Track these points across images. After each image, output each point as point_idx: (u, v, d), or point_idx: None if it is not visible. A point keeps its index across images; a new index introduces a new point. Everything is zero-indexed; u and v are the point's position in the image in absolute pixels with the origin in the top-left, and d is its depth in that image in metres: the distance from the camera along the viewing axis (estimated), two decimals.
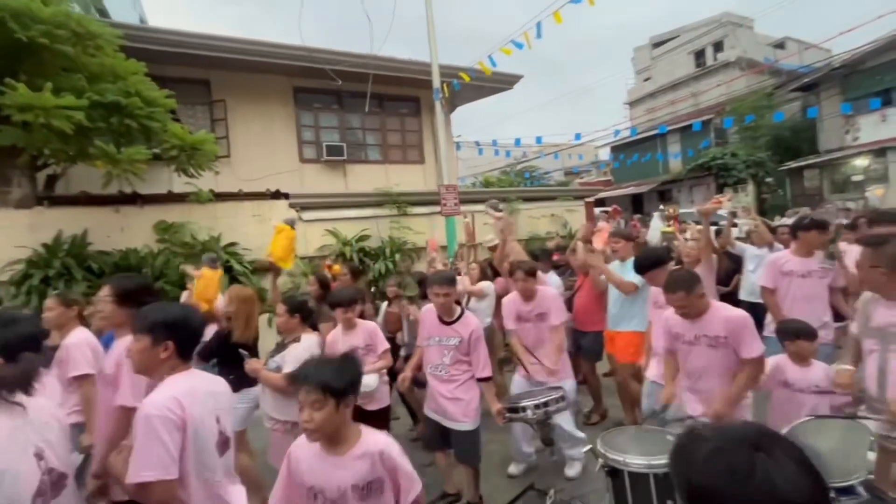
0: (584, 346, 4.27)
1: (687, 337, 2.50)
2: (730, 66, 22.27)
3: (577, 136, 9.97)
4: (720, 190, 16.94)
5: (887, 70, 13.54)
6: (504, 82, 10.39)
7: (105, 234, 5.74)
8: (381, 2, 7.10)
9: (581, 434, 3.46)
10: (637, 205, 19.09)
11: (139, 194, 6.08)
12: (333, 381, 1.52)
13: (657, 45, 27.65)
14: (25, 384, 1.41)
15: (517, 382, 3.46)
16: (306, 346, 2.85)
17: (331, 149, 9.42)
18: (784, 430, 1.86)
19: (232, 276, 5.71)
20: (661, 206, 10.08)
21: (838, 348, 3.28)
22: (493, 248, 6.43)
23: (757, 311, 4.43)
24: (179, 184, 6.67)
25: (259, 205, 6.95)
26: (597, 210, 10.78)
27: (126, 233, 5.86)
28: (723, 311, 2.44)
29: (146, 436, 1.43)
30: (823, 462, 0.67)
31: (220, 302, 4.08)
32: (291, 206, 7.20)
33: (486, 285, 4.44)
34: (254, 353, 3.24)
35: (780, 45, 24.08)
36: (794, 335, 2.58)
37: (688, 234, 5.04)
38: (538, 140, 10.13)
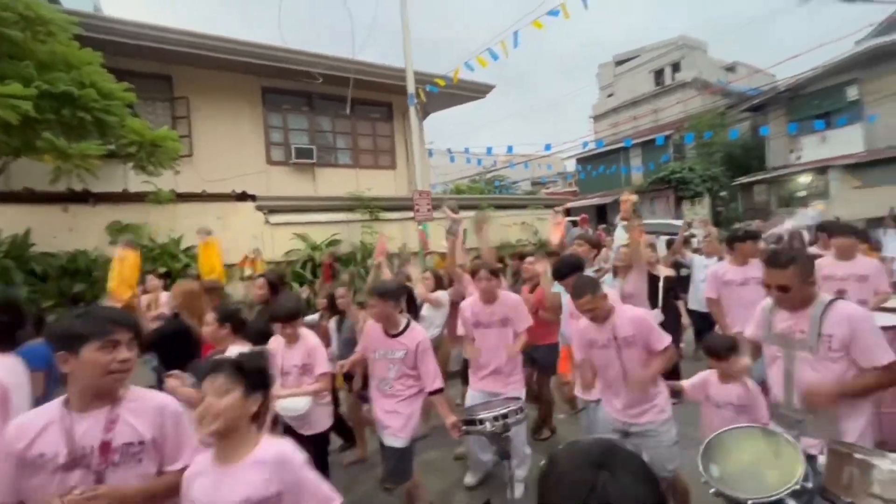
0: (538, 360, 3.97)
1: (601, 341, 2.55)
2: (686, 86, 23.54)
3: (548, 147, 10.20)
4: (679, 202, 17.78)
5: (826, 95, 14.71)
6: (477, 91, 10.50)
7: (51, 235, 5.32)
8: (354, 7, 7.02)
9: (529, 450, 3.36)
10: (601, 215, 19.70)
11: (91, 192, 5.69)
12: (245, 362, 1.37)
13: (620, 62, 28.87)
14: None
15: (471, 395, 3.30)
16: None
17: (300, 151, 9.18)
18: (702, 446, 1.95)
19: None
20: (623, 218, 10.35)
21: None
22: (443, 256, 6.34)
23: (706, 321, 4.61)
24: (136, 182, 6.29)
25: (223, 206, 6.67)
26: (566, 219, 11.03)
27: (75, 233, 5.46)
28: (627, 312, 2.56)
29: None
30: (744, 476, 0.70)
31: (165, 298, 3.80)
32: (258, 208, 6.95)
33: (441, 294, 4.32)
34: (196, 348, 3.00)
35: (731, 68, 25.70)
36: (720, 352, 2.58)
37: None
38: (509, 149, 10.27)
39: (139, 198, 5.92)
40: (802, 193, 15.30)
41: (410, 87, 7.38)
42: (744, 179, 16.69)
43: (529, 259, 4.53)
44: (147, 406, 1.47)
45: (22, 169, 5.94)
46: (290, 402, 2.75)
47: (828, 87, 14.65)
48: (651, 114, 23.67)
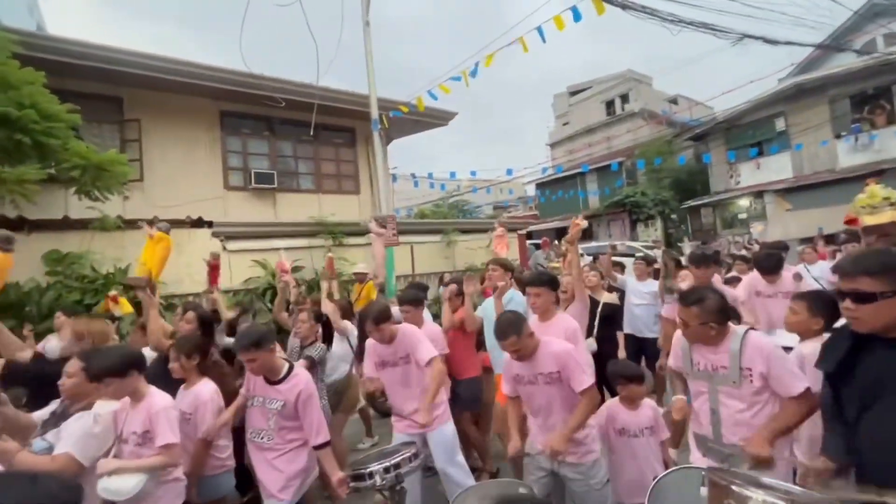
0: (460, 395, 3.55)
1: (527, 377, 2.43)
2: (634, 115, 25.16)
3: (509, 172, 10.50)
4: (634, 225, 18.67)
5: (758, 126, 16.13)
6: (440, 118, 10.71)
7: None
8: (317, 32, 7.05)
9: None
10: (561, 238, 20.36)
11: (26, 219, 5.27)
12: None
13: (574, 93, 30.54)
14: None
15: (396, 437, 2.96)
16: (100, 416, 2.12)
17: (259, 176, 8.94)
18: (652, 486, 1.96)
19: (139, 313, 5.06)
20: (553, 243, 10.36)
21: None
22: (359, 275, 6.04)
23: (644, 346, 4.57)
24: (78, 209, 5.88)
25: (177, 233, 6.29)
26: (527, 242, 11.28)
27: None
28: (550, 347, 2.39)
29: None
30: None
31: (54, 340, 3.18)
32: (215, 234, 6.67)
33: (348, 326, 3.92)
34: None
35: (673, 100, 27.75)
36: (626, 379, 2.58)
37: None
38: (472, 174, 10.47)
39: (82, 225, 5.53)
40: (743, 216, 16.47)
41: (374, 113, 7.44)
42: (691, 203, 17.81)
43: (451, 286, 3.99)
44: None
45: None
46: (114, 481, 2.06)
47: (759, 119, 16.06)
48: (604, 141, 25.00)
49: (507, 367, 2.53)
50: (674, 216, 19.01)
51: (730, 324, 2.07)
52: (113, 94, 7.69)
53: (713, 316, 2.01)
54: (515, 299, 3.53)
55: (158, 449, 2.18)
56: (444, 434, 2.89)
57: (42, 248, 5.20)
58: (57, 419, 2.26)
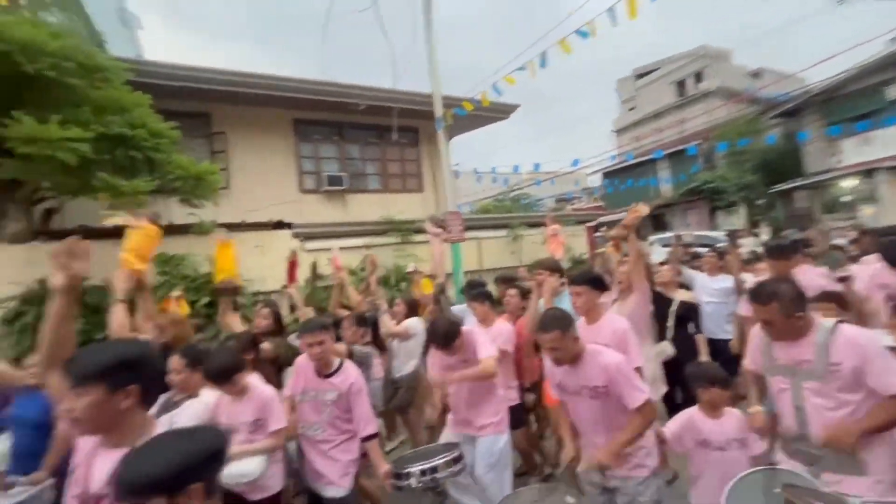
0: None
1: (570, 387, 2.26)
2: (710, 95, 23.18)
3: (576, 162, 10.12)
4: (713, 213, 17.23)
5: (864, 96, 14.17)
6: (501, 112, 10.59)
7: (103, 269, 5.53)
8: (377, 37, 7.26)
9: None
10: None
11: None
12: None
13: (640, 76, 28.78)
14: None
15: (446, 437, 2.98)
16: (208, 404, 2.32)
17: (331, 179, 9.41)
18: (730, 485, 1.77)
19: (234, 309, 5.51)
20: (602, 228, 9.41)
21: None
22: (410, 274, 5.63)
23: (716, 349, 3.90)
24: (178, 215, 6.54)
25: (261, 235, 6.83)
26: (595, 234, 10.83)
27: None
28: (598, 358, 2.16)
29: None
30: None
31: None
32: (294, 235, 7.09)
33: (412, 323, 3.92)
34: None
35: (756, 74, 25.20)
36: (709, 382, 2.29)
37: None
38: (536, 167, 10.24)
39: (183, 230, 6.13)
40: (848, 198, 14.59)
41: (438, 112, 7.50)
42: (782, 186, 16.07)
43: (511, 293, 3.84)
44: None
45: (75, 208, 6.27)
46: (236, 466, 2.32)
47: (864, 88, 14.12)
48: (676, 125, 23.32)
49: (550, 373, 2.38)
50: (760, 202, 17.28)
51: (813, 315, 1.91)
52: (202, 110, 8.45)
53: (796, 305, 1.84)
54: (566, 303, 3.31)
55: (270, 434, 2.42)
56: (492, 444, 2.80)
57: None
58: (165, 408, 2.47)
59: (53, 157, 4.10)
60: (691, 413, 2.34)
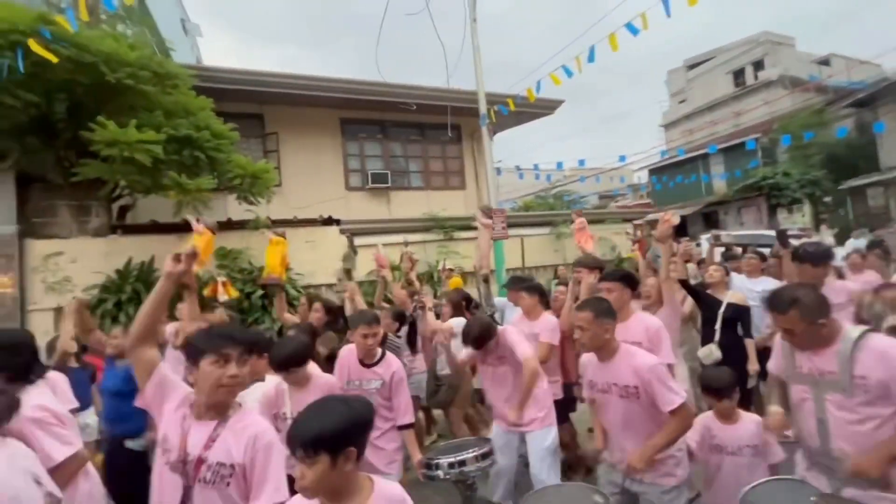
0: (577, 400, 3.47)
1: (599, 385, 2.20)
2: (772, 84, 21.71)
3: (622, 158, 9.82)
4: (773, 211, 16.17)
5: None
6: (545, 108, 10.44)
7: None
8: (423, 35, 7.35)
9: None
10: (681, 228, 18.44)
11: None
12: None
13: (692, 66, 27.38)
14: (9, 416, 1.48)
15: (494, 431, 2.98)
16: (272, 386, 2.48)
17: (375, 176, 9.65)
18: (742, 493, 1.73)
19: (288, 302, 5.81)
20: (626, 231, 8.70)
21: None
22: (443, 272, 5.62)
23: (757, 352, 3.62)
24: (235, 212, 6.95)
25: (312, 231, 7.13)
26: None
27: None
28: (632, 357, 2.11)
29: None
30: None
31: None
32: (342, 231, 7.35)
33: (456, 322, 3.85)
34: None
35: (825, 62, 23.33)
36: (716, 395, 2.24)
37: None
38: (581, 163, 10.02)
39: (240, 225, 6.51)
40: None
41: (482, 108, 7.51)
42: (854, 182, 14.81)
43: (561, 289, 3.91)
44: (246, 431, 1.49)
45: (146, 205, 6.80)
46: None
47: None
48: (732, 117, 22.00)
49: (583, 369, 2.35)
50: (827, 199, 16.01)
51: (839, 322, 1.81)
52: (257, 112, 8.91)
53: (818, 311, 1.74)
54: None
55: None
56: (543, 438, 2.81)
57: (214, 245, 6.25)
58: None
59: (131, 158, 4.49)
60: (706, 418, 2.31)
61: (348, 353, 2.80)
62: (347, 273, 5.30)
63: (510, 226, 7.37)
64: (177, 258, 1.69)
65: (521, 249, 8.09)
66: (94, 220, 5.61)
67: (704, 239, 12.32)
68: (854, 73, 18.83)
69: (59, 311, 5.08)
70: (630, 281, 2.78)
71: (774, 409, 2.05)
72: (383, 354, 2.77)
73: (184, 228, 6.30)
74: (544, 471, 2.78)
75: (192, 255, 1.75)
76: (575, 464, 3.56)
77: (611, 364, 2.15)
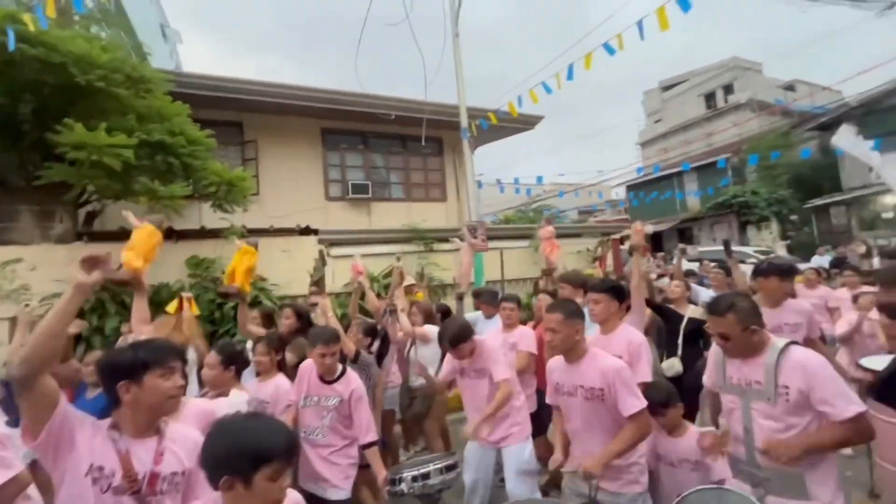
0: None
1: (566, 387, 2.22)
2: (741, 107, 22.68)
3: (600, 174, 10.00)
4: (743, 228, 16.74)
5: None
6: (526, 123, 10.62)
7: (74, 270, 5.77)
8: (406, 48, 7.43)
9: None
10: (657, 242, 18.91)
11: (174, 230, 6.15)
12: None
13: (666, 88, 28.42)
14: None
15: (469, 446, 2.95)
16: (233, 404, 2.35)
17: (356, 187, 9.58)
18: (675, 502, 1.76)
19: (267, 314, 5.64)
20: (598, 247, 8.80)
21: None
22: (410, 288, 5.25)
23: None
24: (210, 220, 6.77)
25: (288, 241, 6.99)
26: (621, 247, 10.65)
27: (159, 268, 5.87)
28: (598, 360, 2.16)
29: None
30: None
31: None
32: (320, 242, 7.23)
33: (430, 329, 3.90)
34: None
35: (789, 87, 24.55)
36: (661, 406, 2.28)
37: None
38: (560, 177, 10.17)
39: (214, 234, 6.33)
40: (889, 215, 13.97)
41: (464, 122, 7.58)
42: (818, 201, 15.51)
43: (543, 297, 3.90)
44: (187, 437, 1.53)
45: (115, 211, 6.54)
46: None
47: None
48: (703, 137, 22.86)
49: (549, 373, 2.36)
50: (793, 217, 16.70)
51: (768, 334, 1.90)
52: (236, 119, 8.77)
53: (752, 318, 1.82)
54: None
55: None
56: (519, 453, 2.79)
57: (185, 254, 6.05)
58: None
59: (100, 162, 4.33)
60: (655, 427, 2.34)
61: (309, 368, 2.75)
62: (317, 285, 5.14)
63: (490, 238, 7.39)
64: (89, 263, 1.45)
65: (501, 262, 8.11)
66: (57, 226, 5.37)
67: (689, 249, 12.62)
68: (817, 98, 19.84)
69: (14, 321, 4.80)
70: (617, 293, 2.79)
71: (706, 429, 2.12)
72: (344, 371, 2.72)
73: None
74: (520, 486, 2.74)
75: (106, 262, 1.52)
76: (553, 479, 3.52)
77: (578, 366, 2.19)
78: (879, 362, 2.39)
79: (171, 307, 4.49)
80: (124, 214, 4.36)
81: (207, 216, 6.88)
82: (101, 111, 4.90)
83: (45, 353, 1.35)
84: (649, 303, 3.66)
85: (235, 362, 2.55)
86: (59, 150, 4.42)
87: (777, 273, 2.93)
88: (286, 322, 3.72)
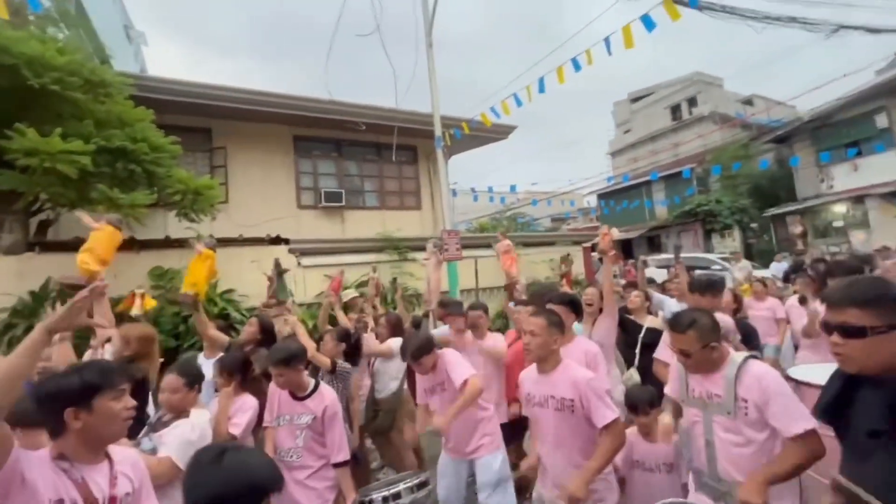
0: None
1: (537, 398, 2.21)
2: (704, 119, 23.68)
3: (571, 182, 10.22)
4: (708, 236, 17.39)
5: (854, 124, 14.51)
6: (500, 132, 10.75)
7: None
8: (379, 56, 7.42)
9: None
10: (627, 250, 19.40)
11: (136, 239, 5.90)
12: None
13: (635, 100, 29.40)
14: None
15: (441, 460, 2.92)
16: (196, 425, 2.23)
17: (329, 195, 9.45)
18: None
19: (230, 325, 5.45)
20: (568, 256, 8.83)
21: None
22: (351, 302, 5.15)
23: None
24: (176, 229, 6.53)
25: (258, 250, 6.81)
26: (592, 254, 10.87)
27: (120, 279, 5.60)
28: (570, 371, 2.16)
29: None
30: None
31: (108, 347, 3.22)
32: (291, 251, 7.08)
33: (395, 343, 3.79)
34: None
35: (748, 101, 25.80)
36: (633, 410, 2.35)
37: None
38: (532, 185, 10.33)
39: (180, 244, 6.11)
40: (839, 223, 14.79)
41: (438, 131, 7.60)
42: (774, 211, 16.29)
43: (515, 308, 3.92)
44: (129, 457, 1.55)
45: (72, 220, 6.24)
46: None
47: (854, 117, 14.47)
48: (671, 148, 23.72)
49: (521, 383, 2.36)
50: (754, 225, 17.48)
51: (728, 348, 1.93)
52: (204, 125, 8.53)
53: (713, 335, 1.86)
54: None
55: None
56: (490, 463, 2.76)
57: (148, 264, 5.80)
58: (155, 426, 2.41)
59: (53, 169, 4.11)
60: (630, 434, 2.38)
61: (276, 388, 2.63)
62: (276, 297, 4.96)
63: (464, 247, 7.41)
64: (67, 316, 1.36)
65: (475, 270, 8.14)
66: (6, 237, 5.06)
67: (651, 259, 13.00)
68: (773, 112, 20.90)
69: None
70: (574, 306, 2.87)
71: (665, 421, 2.12)
72: (316, 386, 2.63)
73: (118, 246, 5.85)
74: (494, 497, 2.72)
75: (77, 310, 1.43)
76: (525, 488, 3.52)
77: (550, 376, 2.19)
78: (811, 374, 2.45)
79: (122, 304, 4.31)
80: (78, 215, 4.15)
81: (173, 225, 6.64)
82: (56, 116, 4.67)
83: (9, 398, 1.20)
84: None
85: (199, 380, 2.40)
86: (10, 156, 4.17)
87: (698, 290, 3.03)
88: (248, 330, 3.59)
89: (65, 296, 5.11)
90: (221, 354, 3.09)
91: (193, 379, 2.36)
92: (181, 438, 2.19)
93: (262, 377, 3.08)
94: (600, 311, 3.24)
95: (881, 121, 13.86)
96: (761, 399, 1.73)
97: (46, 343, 1.35)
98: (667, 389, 2.18)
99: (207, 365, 3.11)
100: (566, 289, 4.29)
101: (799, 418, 1.67)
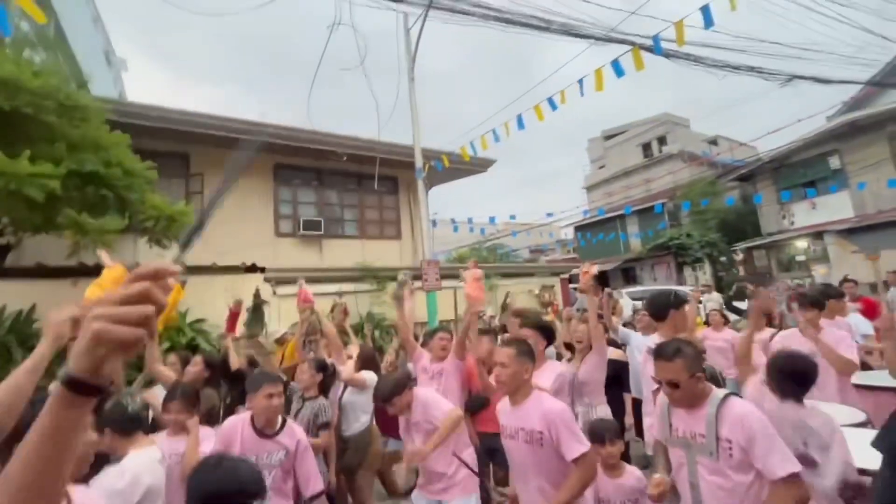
0: (498, 451, 3.28)
1: (508, 429, 2.17)
2: (673, 157, 24.84)
3: (550, 215, 10.46)
4: (680, 268, 17.90)
5: (810, 165, 15.49)
6: (479, 165, 11.00)
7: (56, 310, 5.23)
8: (361, 89, 7.60)
9: None
10: (603, 281, 19.76)
11: (102, 266, 5.68)
12: None
13: (608, 137, 30.73)
14: None
15: (414, 498, 2.85)
16: (127, 470, 1.95)
17: (307, 223, 9.38)
18: None
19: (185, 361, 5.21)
20: (542, 291, 8.87)
21: None
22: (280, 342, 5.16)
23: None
24: (147, 256, 6.33)
25: (232, 279, 6.65)
26: (570, 286, 11.02)
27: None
28: (542, 402, 2.11)
29: None
30: None
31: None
32: (266, 280, 6.94)
33: (370, 376, 3.68)
34: None
35: (713, 142, 27.31)
36: (599, 441, 2.28)
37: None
38: (512, 218, 10.53)
39: None
40: (802, 258, 15.49)
41: (419, 163, 7.72)
42: (741, 245, 16.99)
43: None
44: (88, 495, 1.53)
45: (34, 245, 5.98)
46: None
47: (810, 158, 15.45)
48: (643, 183, 24.67)
49: (498, 415, 2.32)
50: (723, 259, 18.14)
51: (709, 384, 1.88)
52: (182, 151, 8.45)
53: (698, 365, 1.83)
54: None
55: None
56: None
57: None
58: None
59: (18, 192, 3.96)
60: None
61: (238, 425, 2.43)
62: (252, 334, 4.80)
63: (443, 277, 7.40)
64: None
65: (454, 300, 8.11)
66: None
67: (626, 292, 13.24)
68: (737, 152, 22.14)
69: None
70: (546, 332, 2.89)
71: (656, 476, 2.01)
72: (284, 421, 2.51)
73: (78, 272, 5.59)
74: None
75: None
76: None
77: (521, 408, 2.14)
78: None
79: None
80: (99, 254, 4.00)
81: (143, 252, 6.43)
82: (27, 138, 4.54)
83: (9, 419, 1.10)
84: (569, 346, 3.70)
85: (128, 426, 2.11)
86: None
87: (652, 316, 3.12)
88: (193, 370, 3.38)
89: (22, 325, 4.83)
90: (165, 393, 2.85)
91: (122, 425, 2.09)
92: (108, 490, 1.93)
93: (207, 415, 2.94)
94: (590, 347, 3.25)
95: (834, 162, 14.84)
96: (745, 440, 1.67)
97: (48, 356, 1.25)
98: (654, 431, 2.14)
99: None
100: (552, 318, 4.29)
101: (783, 461, 1.62)
